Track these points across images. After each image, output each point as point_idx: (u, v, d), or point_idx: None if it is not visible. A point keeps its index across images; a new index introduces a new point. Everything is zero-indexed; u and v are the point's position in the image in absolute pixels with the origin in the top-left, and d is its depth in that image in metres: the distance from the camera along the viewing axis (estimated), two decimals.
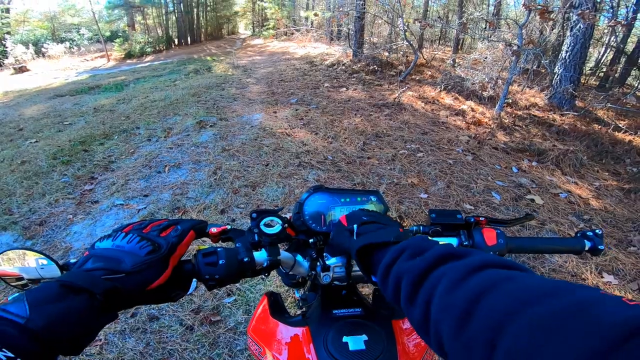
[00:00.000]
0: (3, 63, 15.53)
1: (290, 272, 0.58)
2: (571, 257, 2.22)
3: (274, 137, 3.65)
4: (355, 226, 0.49)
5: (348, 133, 3.80)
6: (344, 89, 5.68)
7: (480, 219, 0.60)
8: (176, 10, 20.42)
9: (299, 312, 0.66)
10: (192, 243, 0.51)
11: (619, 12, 7.20)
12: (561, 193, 3.00)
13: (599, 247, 0.59)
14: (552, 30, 6.33)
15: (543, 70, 6.44)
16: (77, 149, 3.64)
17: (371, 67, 6.78)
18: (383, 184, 2.80)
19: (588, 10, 4.36)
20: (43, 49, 17.02)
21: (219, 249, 0.49)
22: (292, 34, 13.47)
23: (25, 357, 0.29)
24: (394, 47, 7.56)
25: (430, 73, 6.91)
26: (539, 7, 4.26)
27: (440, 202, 2.67)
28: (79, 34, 20.61)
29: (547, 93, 5.60)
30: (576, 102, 5.47)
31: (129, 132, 4.12)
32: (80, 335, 0.34)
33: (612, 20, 4.62)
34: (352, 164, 3.13)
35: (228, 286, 1.80)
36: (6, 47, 16.25)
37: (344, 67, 6.96)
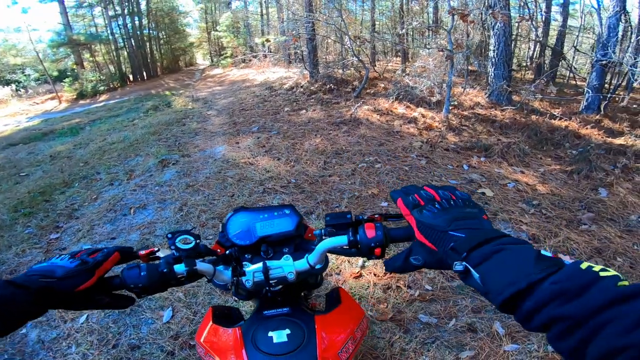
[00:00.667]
0: None
1: (216, 280, 0.68)
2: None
3: (238, 168, 3.71)
4: (471, 269, 0.42)
5: (309, 154, 3.93)
6: (304, 111, 5.84)
7: (376, 216, 0.69)
8: (127, 46, 19.75)
9: None
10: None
11: (538, 8, 7.99)
12: (509, 183, 3.20)
13: None
14: (475, 32, 6.91)
15: (482, 70, 6.98)
16: (37, 200, 3.56)
17: (328, 86, 6.98)
18: (345, 199, 2.94)
19: (498, 10, 4.83)
20: None
21: (141, 264, 0.58)
22: (250, 60, 13.69)
23: None
24: (346, 63, 7.91)
25: (383, 85, 7.20)
26: (459, 11, 4.68)
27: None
28: (25, 75, 19.71)
29: (486, 92, 6.08)
30: (513, 97, 5.97)
31: (90, 178, 4.06)
32: (14, 318, 0.47)
33: (518, 17, 5.14)
34: (315, 184, 3.25)
35: (203, 312, 1.87)
36: None
37: (302, 89, 7.12)
